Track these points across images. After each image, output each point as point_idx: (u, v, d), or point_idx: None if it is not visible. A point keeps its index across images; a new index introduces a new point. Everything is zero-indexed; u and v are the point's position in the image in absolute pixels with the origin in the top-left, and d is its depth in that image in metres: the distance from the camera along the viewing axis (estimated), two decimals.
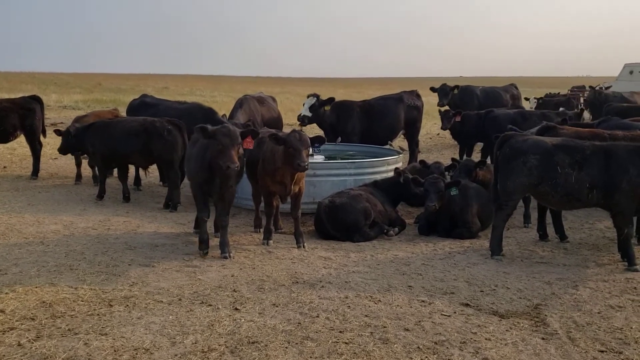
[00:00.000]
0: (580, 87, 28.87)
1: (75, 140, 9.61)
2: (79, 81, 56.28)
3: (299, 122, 11.48)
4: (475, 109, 14.34)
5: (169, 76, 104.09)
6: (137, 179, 10.54)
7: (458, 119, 12.18)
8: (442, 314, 4.93)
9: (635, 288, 5.68)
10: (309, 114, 11.18)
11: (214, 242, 6.80)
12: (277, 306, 5.01)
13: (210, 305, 5.02)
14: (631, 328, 4.75)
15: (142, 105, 11.15)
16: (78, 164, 10.82)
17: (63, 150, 10.04)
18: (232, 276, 5.82)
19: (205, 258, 6.43)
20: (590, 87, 23.70)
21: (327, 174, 8.91)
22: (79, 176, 10.79)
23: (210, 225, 7.32)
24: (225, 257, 6.41)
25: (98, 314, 4.78)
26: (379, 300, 5.19)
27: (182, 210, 8.78)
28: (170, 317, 4.76)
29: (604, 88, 20.29)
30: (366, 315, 4.84)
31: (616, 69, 29.89)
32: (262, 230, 7.46)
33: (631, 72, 27.43)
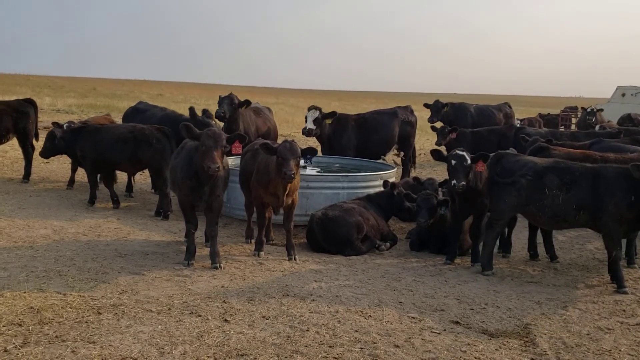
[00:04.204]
0: (572, 108, 29.10)
1: (63, 143, 9.59)
2: (74, 85, 56.15)
3: (304, 135, 11.49)
4: (468, 126, 14.42)
5: (164, 83, 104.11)
6: (129, 185, 10.49)
7: (453, 135, 12.25)
8: (432, 331, 4.93)
9: (624, 310, 5.71)
10: (314, 127, 11.16)
11: (205, 252, 6.77)
12: (267, 319, 4.99)
13: (200, 315, 5.00)
14: (619, 351, 4.78)
15: (135, 112, 11.18)
16: (73, 169, 10.76)
17: (46, 153, 9.97)
18: (222, 287, 5.79)
19: (196, 268, 6.40)
20: (582, 108, 23.91)
21: (320, 186, 8.92)
22: (71, 181, 10.73)
23: (201, 235, 7.31)
24: (216, 268, 6.39)
25: (86, 322, 4.75)
26: (370, 316, 5.19)
27: (174, 219, 8.74)
28: (159, 326, 4.72)
29: (595, 110, 20.46)
30: (356, 331, 4.83)
31: (609, 91, 30.20)
32: (253, 241, 7.44)
33: (623, 95, 27.69)
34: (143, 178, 11.55)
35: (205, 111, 9.94)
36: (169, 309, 5.11)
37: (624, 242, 6.93)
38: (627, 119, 17.45)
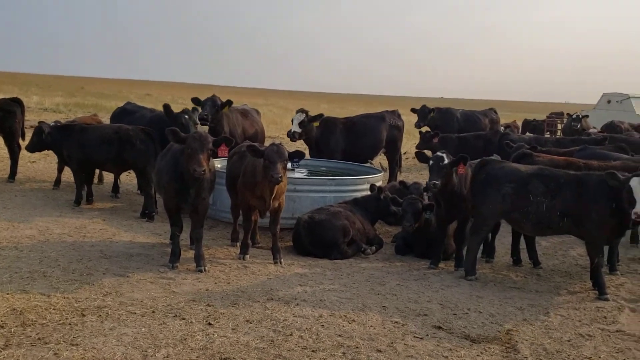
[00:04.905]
0: (558, 114, 29.40)
1: (50, 139, 9.57)
2: (62, 84, 55.78)
3: (289, 138, 11.51)
4: (454, 131, 14.54)
5: (152, 83, 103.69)
6: (115, 186, 10.45)
7: (436, 140, 12.35)
8: (414, 336, 4.97)
9: (605, 317, 5.79)
10: (299, 130, 11.20)
11: (190, 254, 6.77)
12: (250, 322, 5.01)
13: (184, 318, 5.00)
14: (599, 357, 4.85)
15: (123, 113, 11.12)
16: (60, 169, 10.70)
17: (33, 147, 9.98)
18: (206, 290, 5.80)
19: (180, 271, 6.39)
20: (567, 114, 24.14)
21: (307, 189, 8.93)
22: (57, 181, 10.67)
23: (186, 237, 7.30)
24: (201, 271, 6.39)
25: (70, 324, 4.74)
26: (353, 320, 5.22)
27: (159, 220, 8.72)
28: (143, 329, 4.73)
29: (581, 116, 20.67)
30: (339, 335, 4.86)
31: (594, 97, 30.54)
32: (239, 244, 7.43)
33: (609, 102, 28.00)
34: (129, 179, 11.50)
35: (185, 110, 9.80)
36: (153, 312, 5.11)
37: (606, 249, 7.02)
38: (609, 126, 17.66)
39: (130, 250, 7.02)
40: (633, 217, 5.97)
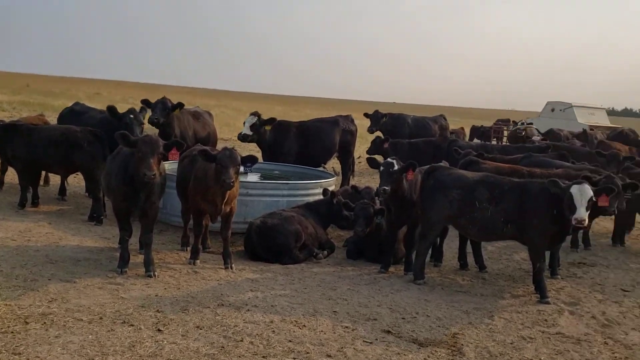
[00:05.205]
0: (505, 121, 30.27)
1: None
2: (5, 81, 53.67)
3: (240, 141, 11.49)
4: (406, 136, 14.82)
5: (102, 81, 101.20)
6: (62, 188, 10.18)
7: (386, 145, 12.60)
8: (364, 341, 5.05)
9: (545, 320, 6.02)
10: (250, 133, 11.20)
11: (139, 259, 6.67)
12: (201, 328, 4.98)
13: (132, 325, 4.93)
14: (540, 359, 5.04)
15: (72, 114, 10.83)
16: (2, 170, 10.33)
17: None
18: (156, 296, 5.73)
19: (129, 276, 6.29)
20: (513, 122, 24.89)
21: (260, 193, 8.93)
22: (0, 182, 10.31)
23: (135, 242, 7.19)
24: (150, 276, 6.31)
25: (12, 332, 4.60)
26: (304, 326, 5.26)
27: (107, 224, 8.54)
28: (90, 336, 4.64)
29: (526, 124, 21.37)
30: (290, 341, 4.89)
31: (540, 104, 31.61)
32: (189, 248, 7.37)
33: (552, 110, 29.06)
34: (77, 181, 11.22)
35: (131, 110, 9.61)
36: (101, 318, 5.02)
37: (548, 254, 7.29)
38: (549, 133, 18.36)
39: (78, 255, 6.86)
40: (573, 223, 6.23)
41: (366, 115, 16.68)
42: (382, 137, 14.03)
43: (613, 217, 8.88)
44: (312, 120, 13.11)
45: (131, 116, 9.33)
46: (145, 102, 10.33)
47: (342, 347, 4.86)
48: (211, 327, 5.03)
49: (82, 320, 4.95)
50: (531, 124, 21.94)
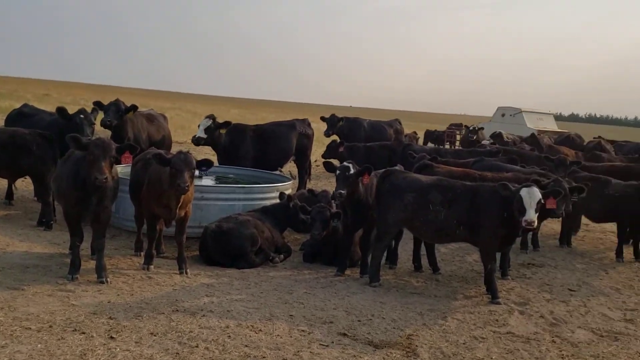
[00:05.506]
0: (457, 125, 30.95)
1: None
2: None
3: (193, 143, 11.37)
4: (362, 140, 14.97)
5: (51, 82, 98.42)
6: (9, 192, 9.85)
7: (341, 149, 12.73)
8: (320, 344, 5.08)
9: (497, 320, 6.17)
10: (204, 136, 11.08)
11: (91, 265, 6.52)
12: (155, 335, 4.90)
13: (84, 333, 4.82)
14: (491, 359, 5.17)
15: (20, 116, 10.48)
16: None
17: None
18: (108, 302, 5.61)
19: (81, 282, 6.15)
20: (465, 126, 25.46)
21: (215, 197, 8.86)
22: None
23: (87, 247, 7.02)
24: (102, 282, 6.18)
25: None
26: (260, 330, 5.25)
27: (57, 229, 8.32)
28: (39, 345, 4.51)
29: (477, 128, 21.90)
30: (246, 346, 4.87)
31: (491, 110, 32.46)
32: (143, 254, 7.25)
33: (503, 115, 29.90)
34: (25, 185, 10.88)
35: (81, 110, 9.38)
36: (50, 327, 4.88)
37: (499, 255, 7.49)
38: (497, 137, 18.87)
39: (26, 262, 6.65)
40: (524, 224, 6.42)
41: (322, 118, 16.77)
42: (338, 141, 14.13)
43: (560, 219, 9.18)
44: (269, 123, 13.09)
45: (81, 116, 9.10)
46: (98, 104, 10.11)
47: (298, 351, 4.87)
48: (165, 333, 4.96)
49: (30, 329, 4.80)
50: (482, 128, 22.50)
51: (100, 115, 10.00)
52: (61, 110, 9.30)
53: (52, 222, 8.46)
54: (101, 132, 10.72)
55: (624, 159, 13.91)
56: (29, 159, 8.52)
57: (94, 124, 9.43)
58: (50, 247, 7.46)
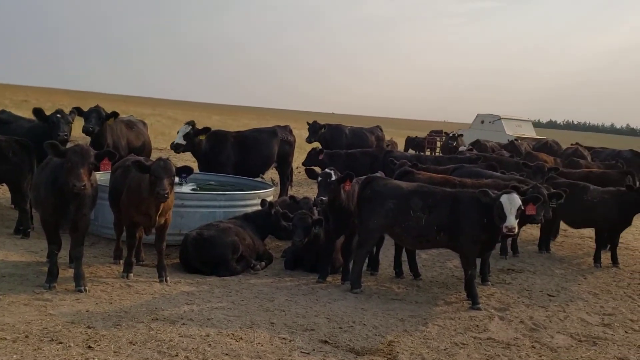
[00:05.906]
0: (438, 132, 31.22)
1: None
2: None
3: (172, 150, 11.29)
4: (343, 147, 15.02)
5: (29, 88, 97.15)
6: None
7: (321, 157, 12.78)
8: (301, 352, 5.06)
9: (477, 326, 6.21)
10: (183, 142, 11.01)
11: (69, 273, 6.43)
12: (134, 344, 4.84)
13: (61, 342, 4.74)
14: None
15: None
16: None
17: None
18: (86, 311, 5.53)
19: (58, 291, 6.05)
20: (445, 133, 25.70)
21: (196, 204, 8.80)
22: None
23: (65, 255, 6.93)
24: (80, 291, 6.09)
25: None
26: (241, 338, 5.21)
27: (35, 237, 8.19)
28: (15, 356, 4.43)
29: (457, 135, 22.12)
30: (227, 354, 4.83)
31: (471, 117, 32.83)
32: (122, 262, 7.17)
33: (482, 122, 30.24)
34: (1, 192, 10.71)
35: (58, 110, 9.24)
36: (27, 337, 4.79)
37: (479, 261, 7.54)
38: (476, 144, 19.08)
39: (2, 270, 6.53)
40: (504, 230, 6.49)
41: (309, 124, 16.84)
42: (318, 148, 14.17)
43: (539, 225, 9.27)
44: (250, 130, 13.05)
45: (58, 115, 8.99)
46: (78, 110, 9.98)
47: (279, 359, 4.85)
48: (145, 342, 4.90)
49: (5, 339, 4.71)
50: (461, 135, 22.73)
51: (79, 118, 9.87)
52: (38, 112, 9.19)
53: (29, 230, 8.33)
54: (80, 139, 10.61)
55: (601, 165, 14.13)
56: (5, 166, 8.38)
57: (72, 122, 9.31)
58: (27, 256, 7.33)
